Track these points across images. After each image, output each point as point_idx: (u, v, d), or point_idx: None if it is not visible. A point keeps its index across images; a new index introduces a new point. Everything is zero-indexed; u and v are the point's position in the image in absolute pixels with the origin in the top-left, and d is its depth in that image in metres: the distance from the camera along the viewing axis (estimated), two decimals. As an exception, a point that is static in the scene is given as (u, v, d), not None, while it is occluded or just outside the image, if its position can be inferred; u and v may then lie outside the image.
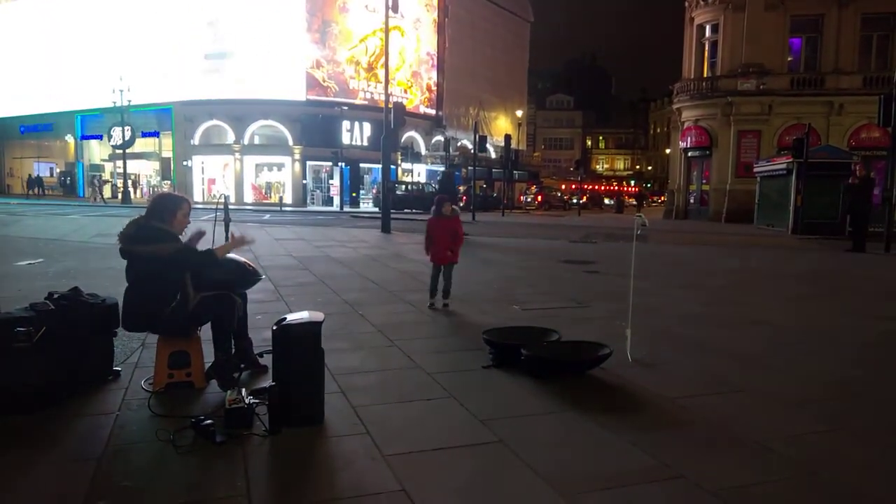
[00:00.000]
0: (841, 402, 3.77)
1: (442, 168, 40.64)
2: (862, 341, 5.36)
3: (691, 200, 30.54)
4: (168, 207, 3.66)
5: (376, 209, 26.62)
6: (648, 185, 76.64)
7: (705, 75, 28.96)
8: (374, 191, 33.53)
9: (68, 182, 41.66)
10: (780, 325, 5.96)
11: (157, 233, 3.55)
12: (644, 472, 2.74)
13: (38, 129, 42.28)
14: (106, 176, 40.72)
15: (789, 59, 27.69)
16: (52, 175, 42.52)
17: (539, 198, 47.42)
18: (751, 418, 3.43)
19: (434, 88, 41.34)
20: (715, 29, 28.45)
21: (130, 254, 3.54)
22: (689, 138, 29.44)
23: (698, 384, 4.03)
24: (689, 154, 30.03)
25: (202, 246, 3.88)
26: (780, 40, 26.96)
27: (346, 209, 30.77)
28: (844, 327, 5.97)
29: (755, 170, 24.08)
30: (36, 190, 38.29)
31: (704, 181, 29.46)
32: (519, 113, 52.85)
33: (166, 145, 37.11)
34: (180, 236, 3.80)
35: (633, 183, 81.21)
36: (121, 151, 32.33)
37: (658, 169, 76.96)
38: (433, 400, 3.62)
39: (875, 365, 4.67)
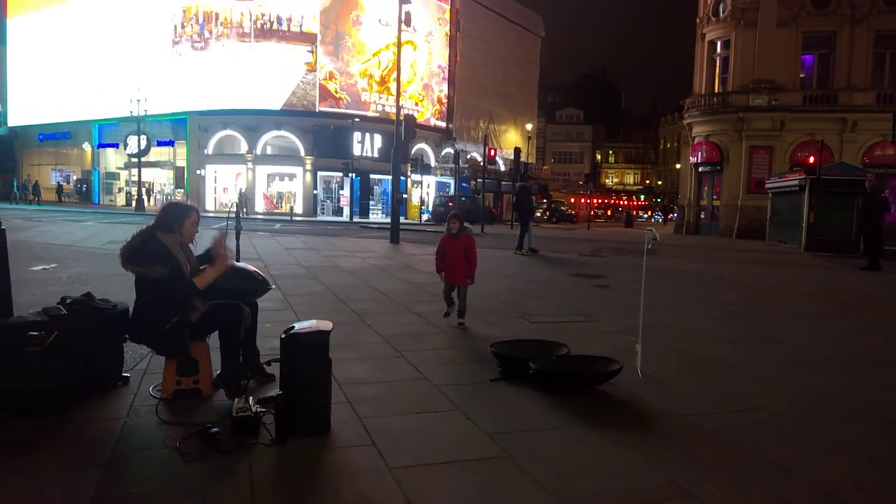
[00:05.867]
0: (857, 423, 3.70)
1: (451, 179, 40.79)
2: (879, 361, 5.27)
3: (702, 216, 30.37)
4: (176, 217, 3.68)
5: (417, 221, 26.38)
6: (658, 200, 76.27)
7: (716, 91, 28.93)
8: (436, 203, 34.81)
9: (84, 189, 42.26)
10: (793, 342, 5.88)
11: (152, 251, 3.52)
12: (654, 491, 2.70)
13: (56, 137, 43.02)
14: (120, 183, 41.35)
15: (801, 75, 27.59)
16: (69, 182, 43.19)
17: (609, 213, 46.35)
18: (764, 437, 3.37)
19: (445, 101, 41.55)
20: (726, 45, 28.45)
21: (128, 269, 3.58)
22: (699, 153, 29.34)
23: (709, 401, 3.98)
24: (700, 169, 29.91)
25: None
26: (792, 56, 26.90)
27: (356, 219, 30.90)
28: (860, 346, 5.87)
29: (767, 186, 23.92)
30: (63, 197, 39.69)
31: (715, 196, 29.30)
32: (529, 126, 52.95)
33: (180, 154, 37.54)
34: (191, 245, 3.84)
35: (643, 197, 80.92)
36: (136, 160, 32.73)
37: (668, 184, 76.68)
38: (440, 412, 3.59)
39: (893, 386, 4.59)
